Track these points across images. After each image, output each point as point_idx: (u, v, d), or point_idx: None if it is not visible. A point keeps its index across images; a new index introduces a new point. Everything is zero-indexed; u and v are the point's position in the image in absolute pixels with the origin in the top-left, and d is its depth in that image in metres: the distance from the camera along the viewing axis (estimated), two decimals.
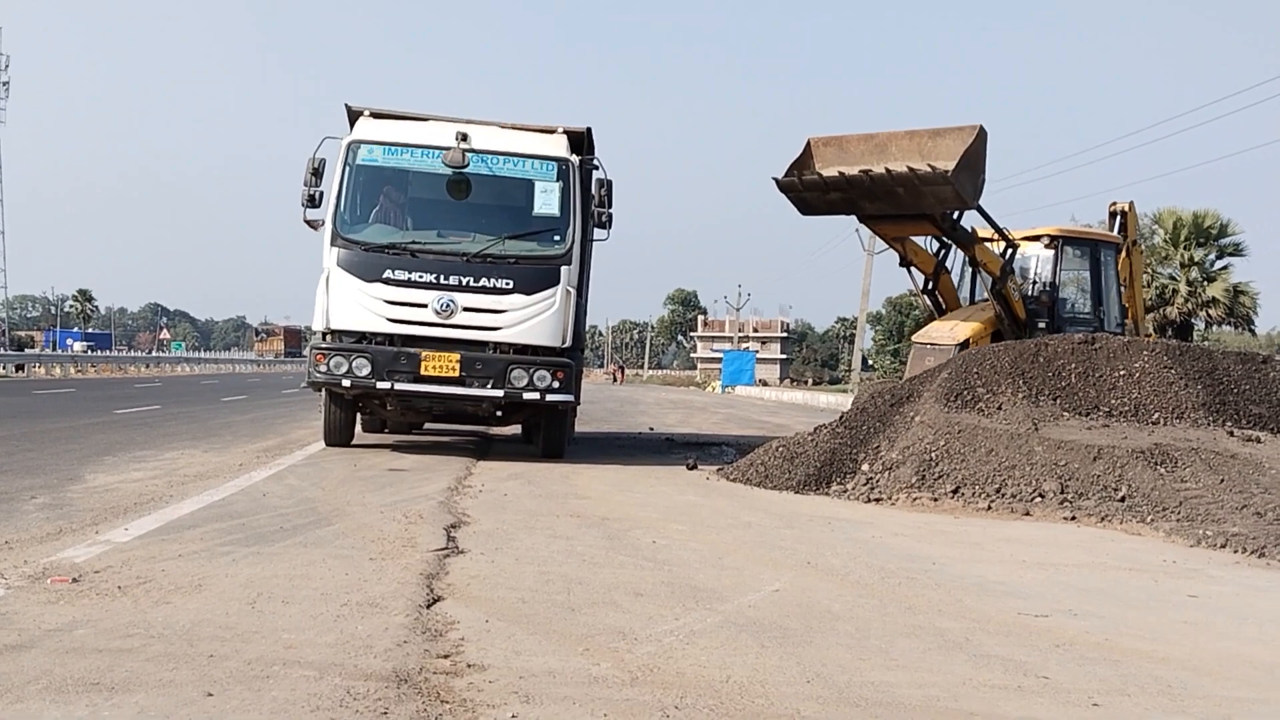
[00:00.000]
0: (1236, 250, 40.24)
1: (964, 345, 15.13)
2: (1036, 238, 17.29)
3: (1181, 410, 11.25)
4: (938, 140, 14.60)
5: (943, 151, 14.37)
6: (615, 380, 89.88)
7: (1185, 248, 39.38)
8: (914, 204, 14.65)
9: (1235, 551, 7.93)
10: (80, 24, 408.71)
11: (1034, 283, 17.22)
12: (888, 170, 14.38)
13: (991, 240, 16.11)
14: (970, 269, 16.75)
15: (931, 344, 15.60)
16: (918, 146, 14.72)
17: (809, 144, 15.51)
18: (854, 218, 15.94)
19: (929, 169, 13.95)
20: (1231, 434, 10.82)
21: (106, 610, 4.82)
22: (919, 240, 16.16)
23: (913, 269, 16.51)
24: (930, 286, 16.70)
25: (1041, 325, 16.62)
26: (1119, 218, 18.92)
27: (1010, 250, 16.08)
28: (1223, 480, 9.53)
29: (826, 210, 15.77)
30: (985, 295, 16.61)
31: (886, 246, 16.63)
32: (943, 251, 16.39)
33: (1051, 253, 17.35)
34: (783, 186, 15.40)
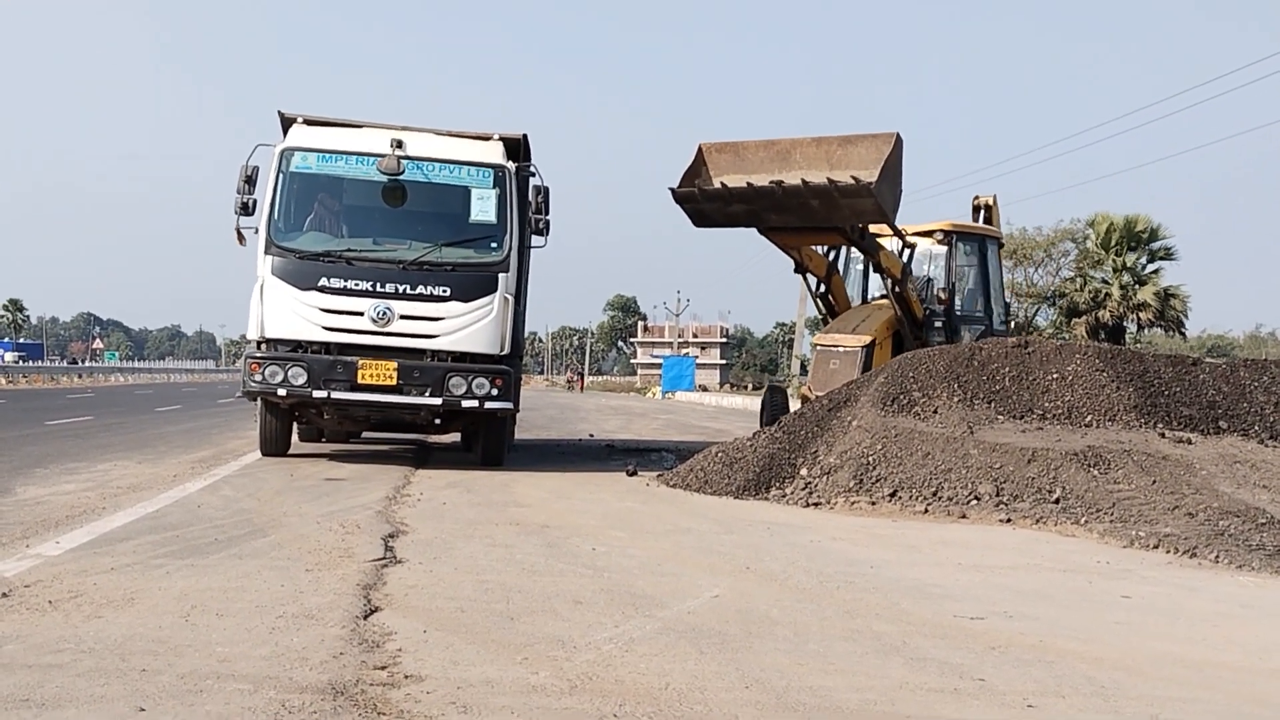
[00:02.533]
0: (1167, 254, 40.90)
1: (870, 348, 15.17)
2: (929, 233, 16.99)
3: (1114, 413, 11.39)
4: (849, 148, 14.11)
5: (855, 160, 13.92)
6: (572, 388, 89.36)
7: (1117, 252, 39.94)
8: (827, 216, 14.09)
9: (1168, 552, 8.04)
10: (5, 28, 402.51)
11: (926, 279, 16.99)
12: (804, 182, 13.75)
13: (885, 237, 15.85)
14: (864, 270, 16.72)
15: (836, 346, 15.46)
16: (825, 154, 14.22)
17: (701, 151, 14.84)
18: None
19: (852, 181, 13.38)
20: (1163, 436, 10.98)
21: (36, 625, 4.74)
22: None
23: (807, 274, 16.39)
24: (823, 290, 16.60)
25: (938, 325, 16.62)
26: (982, 211, 18.67)
27: (909, 251, 15.83)
28: (1155, 481, 9.66)
29: (726, 223, 15.09)
30: (876, 295, 16.55)
31: (825, 252, 16.57)
32: (833, 254, 16.43)
33: (945, 249, 17.10)
34: (679, 197, 14.66)
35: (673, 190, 14.70)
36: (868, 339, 15.30)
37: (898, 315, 15.99)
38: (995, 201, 18.75)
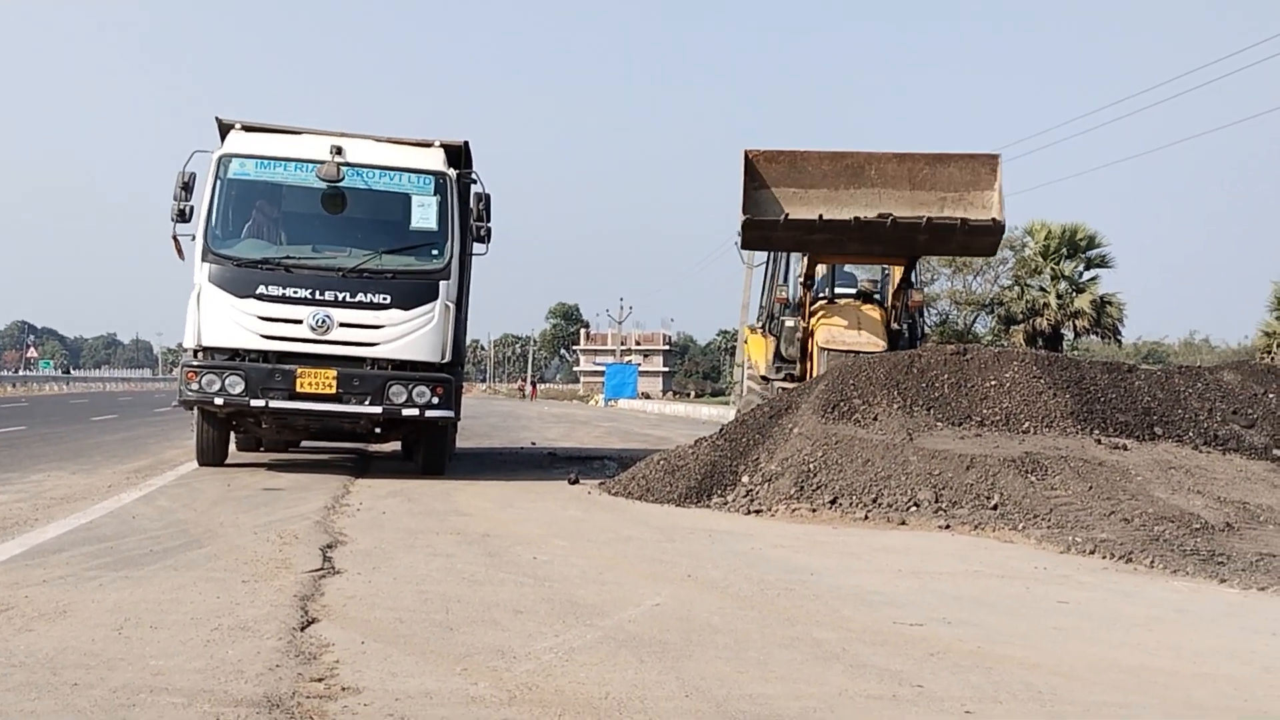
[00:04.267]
0: (1104, 262, 41.37)
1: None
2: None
3: (1051, 419, 11.51)
4: (938, 168, 13.24)
5: (943, 181, 13.13)
6: (526, 396, 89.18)
7: (1055, 260, 40.38)
8: (928, 248, 13.42)
9: (1104, 557, 8.13)
10: None
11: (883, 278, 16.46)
12: (928, 219, 13.01)
13: None
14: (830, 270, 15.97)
15: (854, 350, 14.21)
16: (908, 173, 13.28)
17: (749, 160, 13.27)
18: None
19: (991, 222, 12.87)
20: (1099, 442, 11.10)
21: None
22: None
23: (802, 280, 15.38)
24: (801, 296, 15.67)
25: (903, 326, 15.82)
26: None
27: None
28: (1091, 487, 9.77)
29: (788, 249, 14.27)
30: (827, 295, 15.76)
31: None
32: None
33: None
34: (752, 227, 13.41)
35: (753, 219, 13.35)
36: (882, 343, 14.54)
37: (887, 319, 15.32)
38: None
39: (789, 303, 15.86)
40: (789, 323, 15.54)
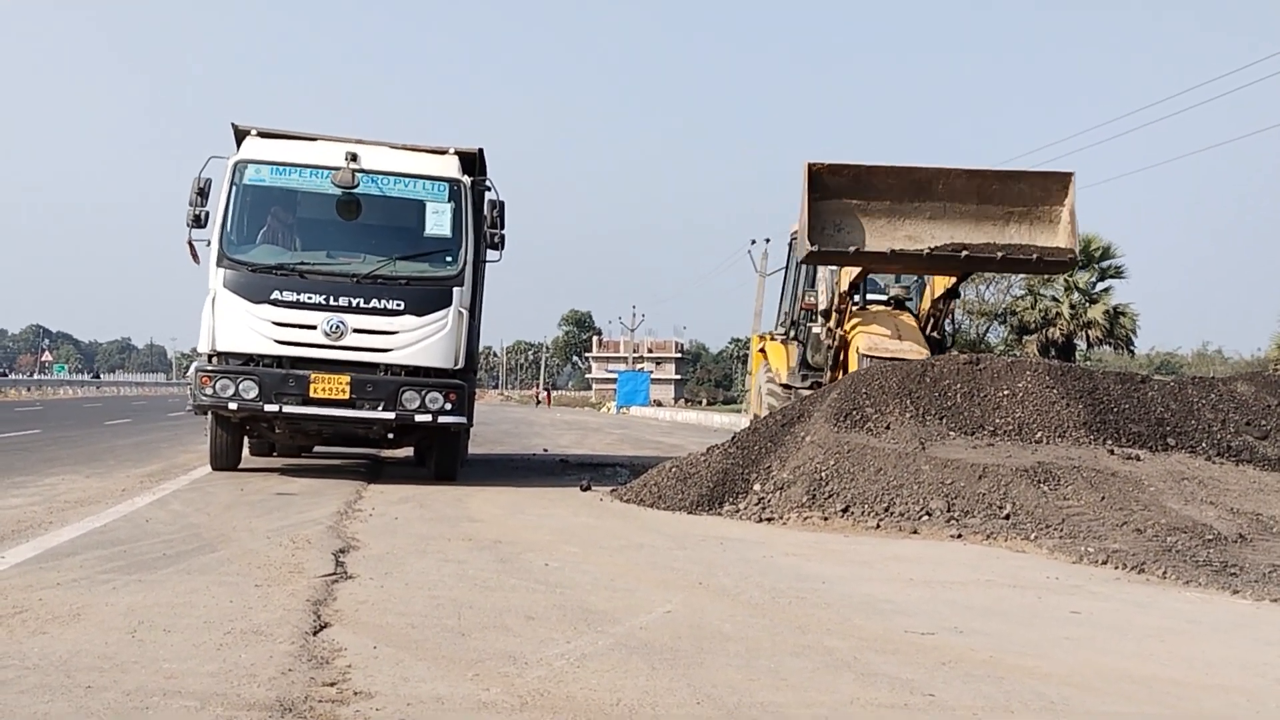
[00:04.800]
0: (1117, 273, 41.35)
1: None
2: None
3: (1064, 429, 11.48)
4: (1009, 184, 12.94)
5: (1014, 198, 12.83)
6: (540, 403, 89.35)
7: (1069, 271, 40.34)
8: (999, 269, 13.04)
9: (1116, 568, 8.10)
10: None
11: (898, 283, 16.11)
12: (1003, 256, 12.74)
13: None
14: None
15: (895, 358, 13.91)
16: (976, 189, 12.90)
17: (811, 172, 12.57)
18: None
19: (1066, 252, 12.72)
20: (1112, 452, 11.08)
21: None
22: None
23: (844, 290, 14.97)
24: (838, 303, 15.20)
25: (942, 334, 15.75)
26: None
27: None
28: (1104, 498, 9.75)
29: (850, 263, 13.75)
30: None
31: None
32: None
33: None
34: (820, 256, 13.13)
35: (821, 251, 12.85)
36: (925, 350, 14.33)
37: (921, 326, 15.19)
38: None
39: (816, 309, 15.53)
40: (816, 329, 15.30)
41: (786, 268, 17.28)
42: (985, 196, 12.94)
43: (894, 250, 12.73)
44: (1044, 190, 12.92)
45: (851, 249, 12.85)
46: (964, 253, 12.71)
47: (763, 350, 17.52)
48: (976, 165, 13.45)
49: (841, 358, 14.97)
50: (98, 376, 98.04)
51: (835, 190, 12.79)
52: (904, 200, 12.87)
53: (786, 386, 15.73)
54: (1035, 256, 12.81)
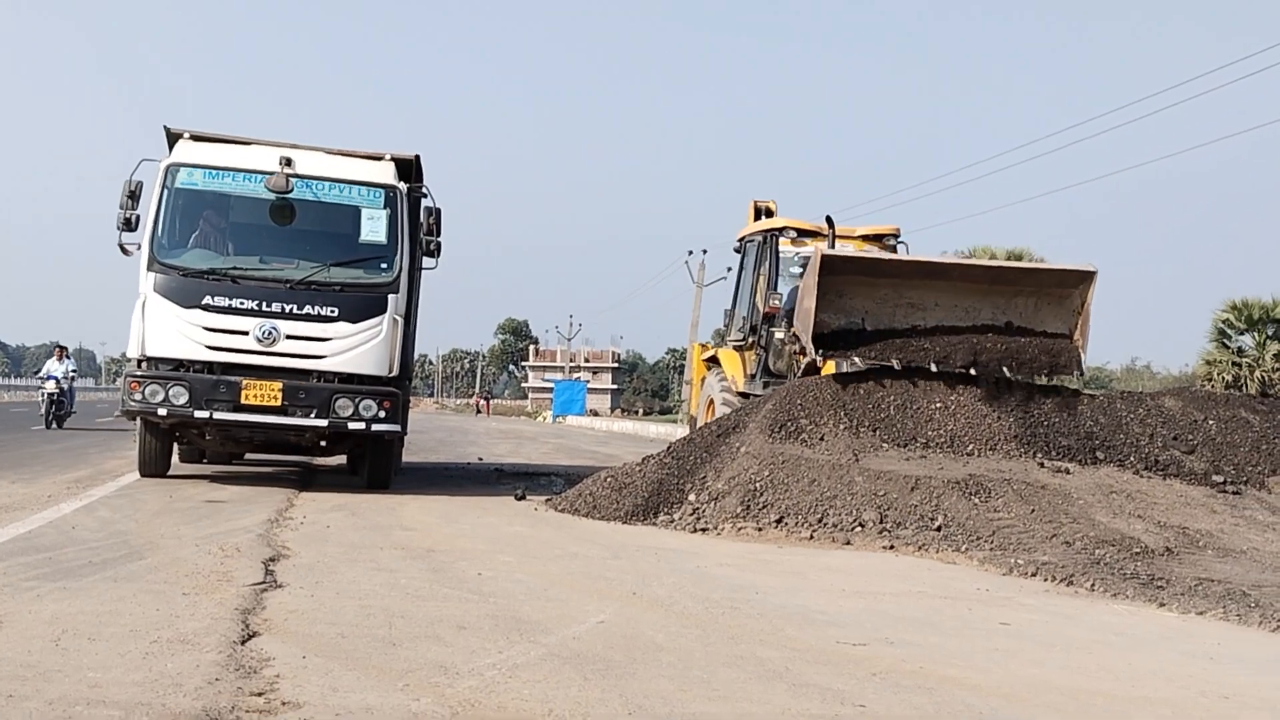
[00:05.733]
0: None
1: None
2: (878, 237, 15.80)
3: (994, 442, 11.60)
4: (1027, 274, 12.98)
5: (1029, 280, 12.72)
6: (480, 411, 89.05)
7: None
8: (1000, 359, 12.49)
9: (1045, 580, 8.19)
10: None
11: None
12: (1009, 321, 12.52)
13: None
14: None
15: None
16: (994, 275, 12.87)
17: (824, 261, 12.13)
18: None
19: (1077, 355, 12.50)
20: (1042, 465, 11.20)
21: None
22: None
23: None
24: None
25: None
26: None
27: None
28: (1034, 510, 9.86)
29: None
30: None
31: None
32: None
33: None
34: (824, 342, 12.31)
35: (828, 355, 12.40)
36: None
37: None
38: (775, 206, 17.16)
39: (778, 314, 15.08)
40: (780, 334, 14.84)
41: (740, 274, 16.89)
42: (998, 278, 12.89)
43: (906, 364, 12.28)
44: (1060, 281, 12.74)
45: (848, 363, 12.59)
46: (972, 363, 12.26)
47: (711, 360, 17.16)
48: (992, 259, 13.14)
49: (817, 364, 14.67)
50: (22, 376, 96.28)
51: (842, 270, 12.54)
52: (914, 278, 12.70)
53: (743, 395, 15.44)
54: (1041, 330, 12.54)
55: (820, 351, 12.24)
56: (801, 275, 14.94)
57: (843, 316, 12.47)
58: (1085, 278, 12.59)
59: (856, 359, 12.36)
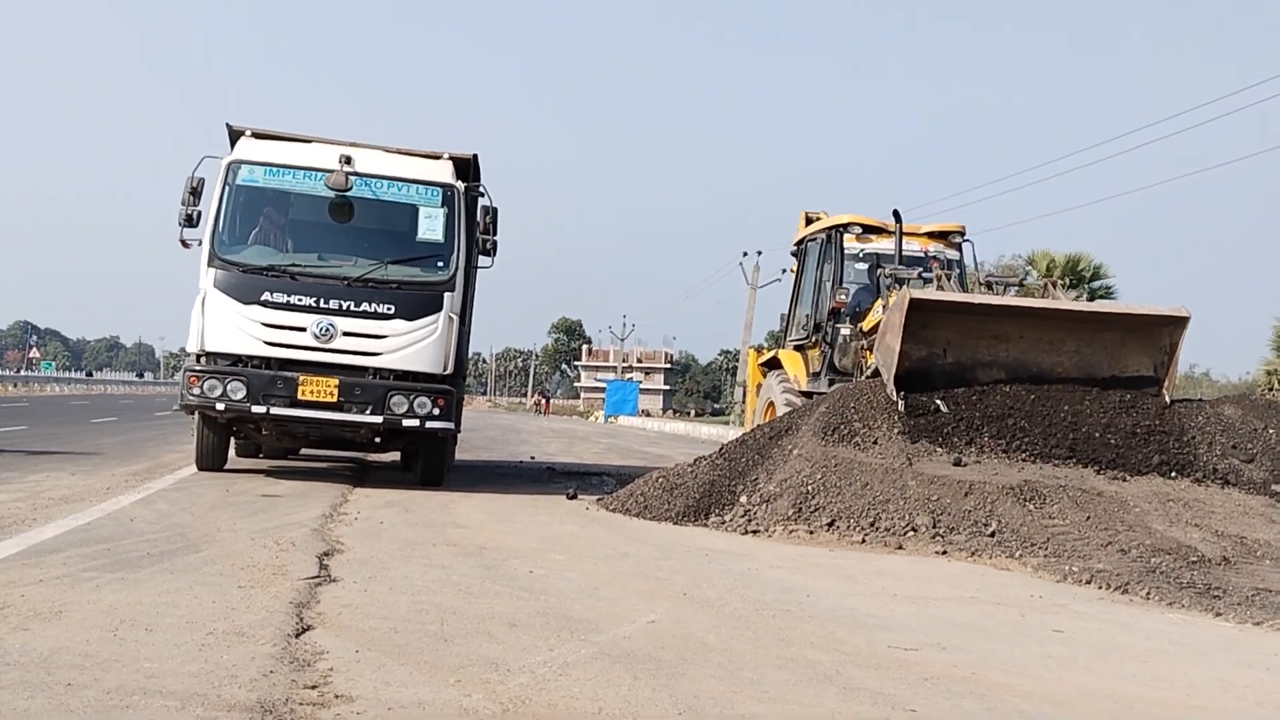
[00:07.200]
0: (1107, 294, 41.32)
1: None
2: (944, 234, 15.52)
3: (1050, 447, 11.47)
4: (1118, 315, 12.75)
5: (1119, 321, 12.49)
6: (540, 411, 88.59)
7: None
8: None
9: (1100, 587, 8.12)
10: None
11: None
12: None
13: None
14: None
15: None
16: (1083, 317, 12.61)
17: (912, 304, 11.64)
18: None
19: (1157, 392, 12.25)
20: (1098, 472, 11.09)
21: None
22: None
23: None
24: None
25: None
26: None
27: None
28: (1089, 517, 9.76)
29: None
30: None
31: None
32: None
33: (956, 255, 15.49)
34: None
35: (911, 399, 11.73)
36: None
37: None
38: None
39: (843, 310, 14.81)
40: (845, 331, 14.61)
41: (799, 275, 16.72)
42: (1086, 318, 12.73)
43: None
44: (1151, 322, 12.45)
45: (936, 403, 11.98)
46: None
47: (769, 363, 16.89)
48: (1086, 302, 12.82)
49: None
50: (90, 375, 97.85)
51: (931, 309, 12.11)
52: (1005, 318, 12.40)
53: (806, 394, 15.23)
54: (1127, 373, 12.27)
55: (902, 394, 11.77)
56: (867, 271, 15.00)
57: (924, 347, 12.09)
58: (1177, 323, 12.26)
59: (941, 404, 11.86)
